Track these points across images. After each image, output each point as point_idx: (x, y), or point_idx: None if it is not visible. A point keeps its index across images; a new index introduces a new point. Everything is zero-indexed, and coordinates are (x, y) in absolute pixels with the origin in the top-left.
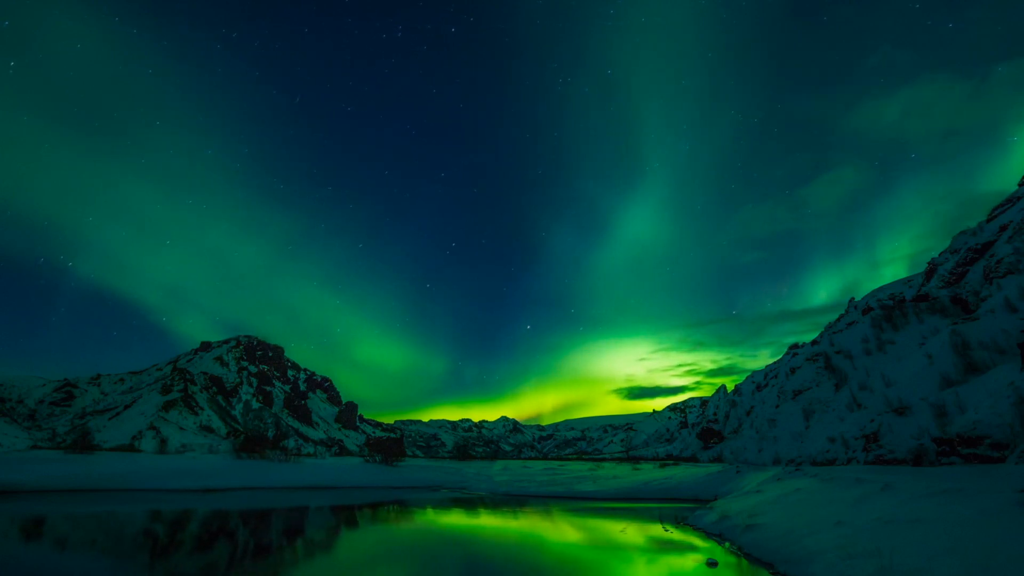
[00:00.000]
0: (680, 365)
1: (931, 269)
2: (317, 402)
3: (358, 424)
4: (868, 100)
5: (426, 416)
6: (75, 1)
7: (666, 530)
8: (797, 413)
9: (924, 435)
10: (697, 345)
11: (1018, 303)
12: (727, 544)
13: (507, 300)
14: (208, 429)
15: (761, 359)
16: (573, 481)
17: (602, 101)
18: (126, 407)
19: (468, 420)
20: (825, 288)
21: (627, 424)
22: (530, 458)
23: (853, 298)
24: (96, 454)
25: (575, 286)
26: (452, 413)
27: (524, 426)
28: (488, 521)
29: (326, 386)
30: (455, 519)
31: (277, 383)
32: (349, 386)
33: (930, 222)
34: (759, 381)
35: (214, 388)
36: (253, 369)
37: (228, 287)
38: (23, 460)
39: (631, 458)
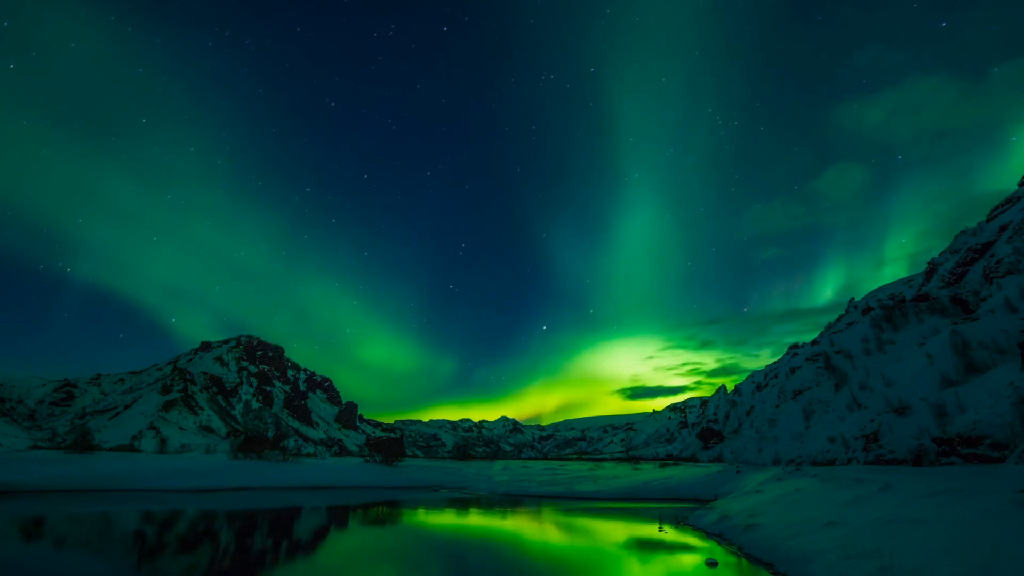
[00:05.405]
0: (685, 364)
1: (931, 269)
2: (317, 402)
3: (358, 424)
4: (863, 99)
5: (426, 416)
6: (74, 0)
7: (661, 530)
8: (797, 413)
9: (924, 435)
10: (704, 344)
11: (1018, 303)
12: (727, 544)
13: (523, 301)
14: (208, 429)
15: (762, 359)
16: (573, 481)
17: (588, 101)
18: (126, 407)
19: (468, 420)
20: (833, 285)
21: (627, 424)
22: (530, 458)
23: (853, 298)
24: (96, 454)
25: (590, 287)
26: (452, 413)
27: (524, 426)
28: (487, 521)
29: (326, 386)
30: (454, 519)
31: (277, 383)
32: (349, 386)
33: (930, 222)
34: (759, 381)
35: (214, 388)
36: (253, 369)
37: (229, 287)
38: (23, 460)
39: (631, 458)
